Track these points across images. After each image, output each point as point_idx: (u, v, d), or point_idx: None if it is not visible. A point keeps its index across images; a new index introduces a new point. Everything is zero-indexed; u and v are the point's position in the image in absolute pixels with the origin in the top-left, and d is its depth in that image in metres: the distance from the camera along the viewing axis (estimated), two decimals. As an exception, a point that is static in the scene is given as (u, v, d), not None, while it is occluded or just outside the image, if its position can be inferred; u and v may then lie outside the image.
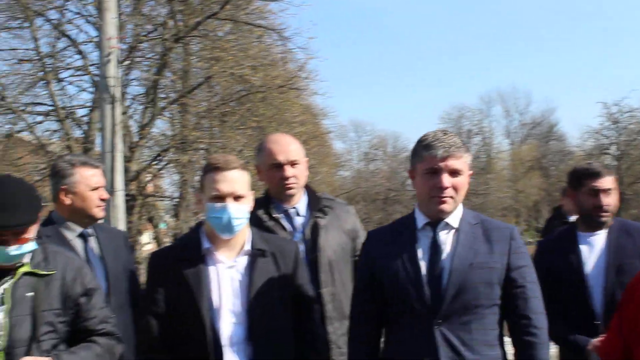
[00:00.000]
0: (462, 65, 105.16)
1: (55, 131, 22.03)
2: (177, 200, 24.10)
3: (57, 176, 4.50)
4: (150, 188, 23.84)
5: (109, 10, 11.86)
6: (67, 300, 3.69)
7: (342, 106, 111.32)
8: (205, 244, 3.66)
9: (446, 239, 3.52)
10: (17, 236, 3.48)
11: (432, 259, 3.48)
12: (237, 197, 3.60)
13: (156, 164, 22.45)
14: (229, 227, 3.60)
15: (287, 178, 4.27)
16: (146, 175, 21.84)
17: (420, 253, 3.50)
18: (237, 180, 3.62)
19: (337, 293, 4.33)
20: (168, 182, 27.27)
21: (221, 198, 3.58)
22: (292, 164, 4.29)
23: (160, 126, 23.52)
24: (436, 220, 3.53)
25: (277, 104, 21.93)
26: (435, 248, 3.50)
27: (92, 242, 4.54)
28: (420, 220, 3.57)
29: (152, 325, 3.61)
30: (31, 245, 3.57)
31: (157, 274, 3.65)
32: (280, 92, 21.37)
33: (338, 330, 4.29)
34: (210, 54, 20.38)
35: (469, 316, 3.40)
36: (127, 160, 17.74)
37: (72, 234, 4.46)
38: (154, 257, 3.79)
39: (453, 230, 3.54)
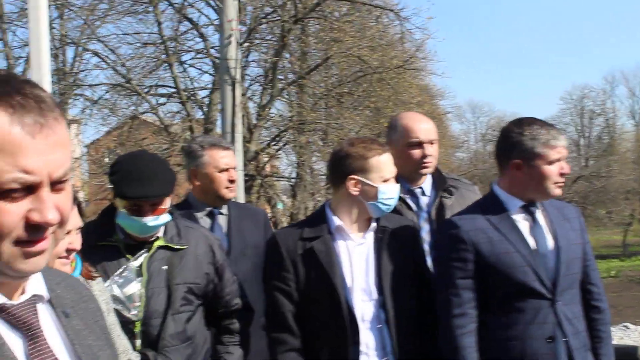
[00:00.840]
0: (584, 44, 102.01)
1: (177, 112, 22.62)
2: (295, 180, 24.33)
3: (189, 157, 4.62)
4: (267, 168, 24.17)
5: (230, -7, 12.01)
6: (200, 275, 3.81)
7: (459, 87, 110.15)
8: (336, 222, 3.65)
9: (541, 220, 3.66)
10: (153, 207, 3.60)
11: (539, 239, 3.59)
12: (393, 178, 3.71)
13: (274, 145, 22.72)
14: (391, 208, 3.70)
15: (426, 156, 4.20)
16: (264, 156, 22.14)
17: (525, 235, 3.59)
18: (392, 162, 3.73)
19: None
20: (285, 163, 27.60)
21: (389, 180, 3.65)
22: (430, 142, 4.24)
23: (278, 107, 23.80)
24: (529, 203, 3.66)
25: (394, 85, 21.80)
26: (538, 229, 3.62)
27: (221, 220, 4.63)
28: (514, 203, 3.66)
29: (283, 303, 3.60)
30: (166, 217, 3.69)
31: (284, 252, 3.63)
32: (397, 73, 21.24)
33: None
34: (328, 35, 20.43)
35: (573, 290, 3.61)
36: (247, 141, 18.03)
37: (201, 212, 4.57)
38: (281, 235, 3.76)
39: (540, 211, 3.68)
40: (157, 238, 3.73)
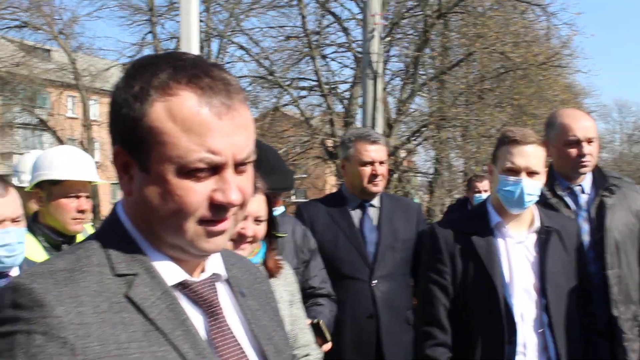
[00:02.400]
0: None
1: (317, 106, 22.90)
2: (433, 176, 24.16)
3: (341, 149, 4.64)
4: (405, 163, 24.09)
5: (375, -13, 12.04)
6: (299, 260, 3.97)
7: (606, 85, 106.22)
8: (495, 218, 3.57)
9: None
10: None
11: None
12: (531, 173, 3.48)
13: (414, 140, 22.63)
14: (519, 202, 3.48)
15: (583, 155, 4.09)
16: (402, 151, 22.08)
17: None
18: (533, 155, 3.49)
19: (624, 276, 4.10)
20: (423, 159, 27.43)
21: (515, 172, 3.47)
22: (589, 141, 4.11)
23: (418, 102, 23.71)
24: None
25: (538, 82, 21.27)
26: None
27: (371, 213, 4.62)
28: None
29: (437, 297, 3.54)
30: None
31: (443, 245, 3.57)
32: (541, 70, 20.72)
33: (623, 315, 4.07)
34: (471, 30, 20.16)
35: None
36: (386, 135, 18.02)
37: (352, 204, 4.59)
38: (440, 228, 3.69)
39: None
40: None
